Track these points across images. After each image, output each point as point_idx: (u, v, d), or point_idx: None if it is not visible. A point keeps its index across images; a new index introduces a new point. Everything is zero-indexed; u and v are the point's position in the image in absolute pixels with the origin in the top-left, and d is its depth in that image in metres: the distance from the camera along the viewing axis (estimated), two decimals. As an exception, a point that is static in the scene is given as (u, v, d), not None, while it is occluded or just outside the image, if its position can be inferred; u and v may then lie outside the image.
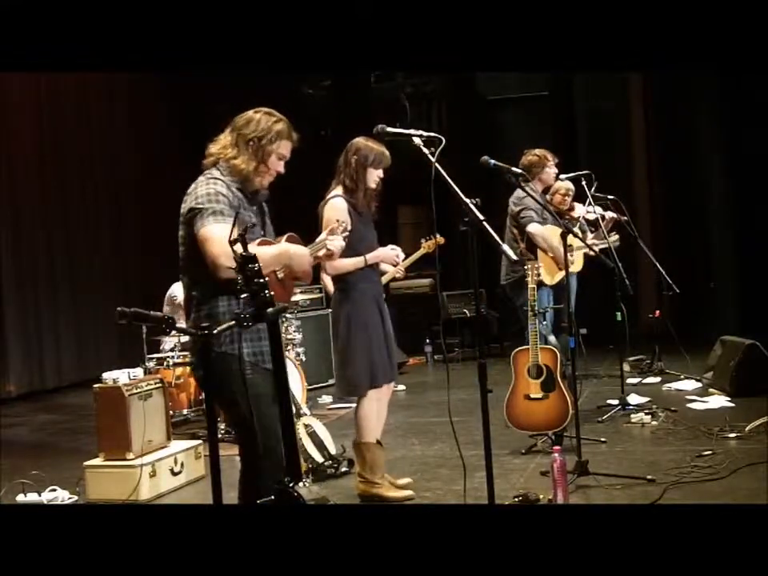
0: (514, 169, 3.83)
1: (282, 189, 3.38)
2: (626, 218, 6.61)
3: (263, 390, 2.96)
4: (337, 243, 3.24)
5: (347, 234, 3.52)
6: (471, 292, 9.91)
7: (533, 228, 5.79)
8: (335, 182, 4.35)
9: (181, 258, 3.12)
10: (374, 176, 4.28)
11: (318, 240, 3.34)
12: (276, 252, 3.02)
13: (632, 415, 5.73)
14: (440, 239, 4.88)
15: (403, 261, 4.63)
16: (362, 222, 4.31)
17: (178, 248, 3.13)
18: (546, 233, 5.79)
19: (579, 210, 6.56)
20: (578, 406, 4.66)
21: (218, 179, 3.03)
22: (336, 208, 4.24)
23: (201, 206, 2.94)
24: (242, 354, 2.91)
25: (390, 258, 4.43)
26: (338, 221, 3.49)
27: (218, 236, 2.83)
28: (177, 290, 6.90)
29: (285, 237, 3.16)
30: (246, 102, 3.33)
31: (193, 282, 3.07)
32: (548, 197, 6.39)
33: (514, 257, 3.11)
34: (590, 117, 10.66)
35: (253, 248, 2.88)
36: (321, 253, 3.32)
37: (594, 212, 6.12)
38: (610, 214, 6.50)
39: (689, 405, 6.06)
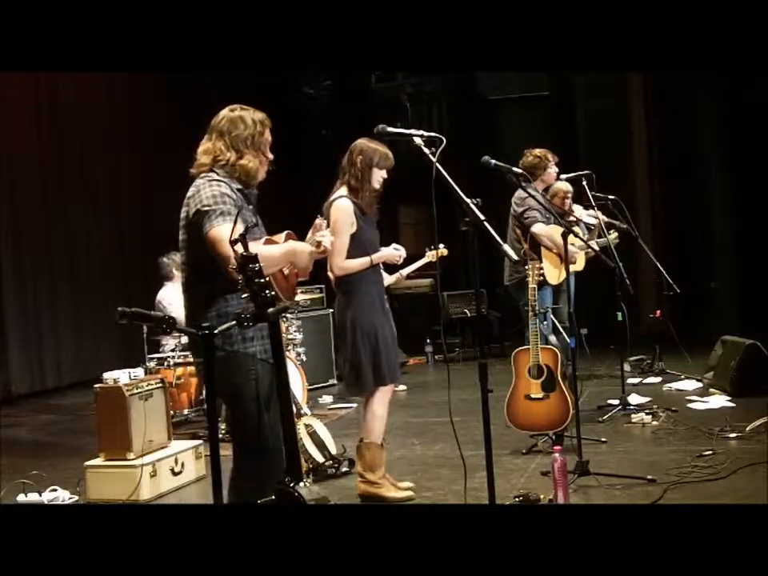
0: (514, 169, 3.83)
1: (283, 188, 3.39)
2: (625, 227, 6.61)
3: (272, 389, 3.04)
4: (327, 239, 3.27)
5: (328, 227, 3.52)
6: (472, 292, 9.96)
7: (537, 228, 5.78)
8: (339, 182, 4.33)
9: (184, 261, 3.18)
10: (379, 176, 4.28)
11: (307, 239, 3.36)
12: (284, 251, 3.11)
13: (632, 415, 5.73)
14: (443, 251, 4.88)
15: (405, 265, 4.63)
16: (366, 223, 4.30)
17: (179, 252, 3.19)
18: (552, 232, 5.77)
19: (578, 213, 6.56)
20: (578, 405, 4.67)
21: (221, 181, 3.08)
22: (342, 209, 4.23)
23: (208, 208, 2.99)
24: (255, 353, 3.03)
25: (394, 258, 4.43)
26: (319, 216, 3.48)
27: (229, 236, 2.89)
28: (163, 295, 6.92)
29: (284, 234, 3.22)
30: (246, 102, 3.33)
31: (200, 283, 3.11)
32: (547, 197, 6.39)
33: (515, 257, 3.10)
34: (589, 117, 10.66)
35: (261, 247, 2.97)
36: (315, 248, 3.33)
37: (592, 216, 6.12)
38: (601, 217, 6.50)
39: (689, 405, 6.06)
